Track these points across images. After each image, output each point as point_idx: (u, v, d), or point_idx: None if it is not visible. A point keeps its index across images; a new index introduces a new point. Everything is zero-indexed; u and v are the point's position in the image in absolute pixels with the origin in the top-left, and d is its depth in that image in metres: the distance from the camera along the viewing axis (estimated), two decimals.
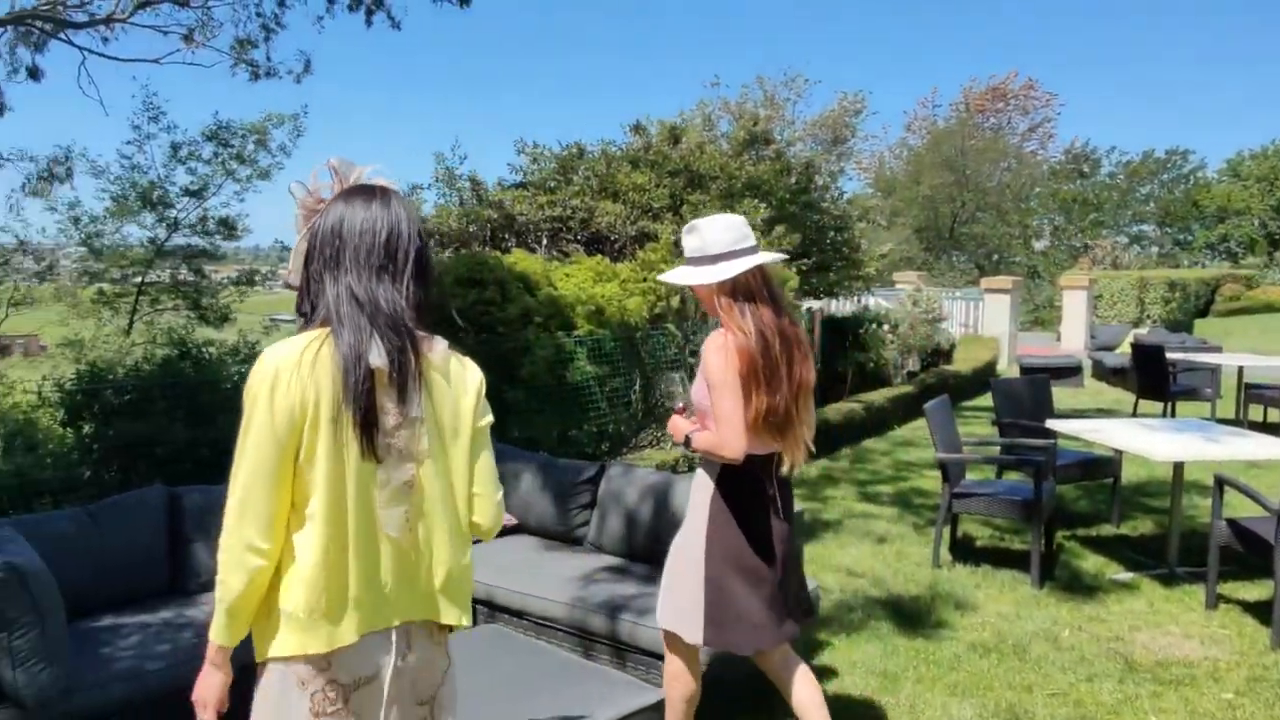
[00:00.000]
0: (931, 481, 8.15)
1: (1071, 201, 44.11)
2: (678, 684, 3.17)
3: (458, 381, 2.01)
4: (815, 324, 10.09)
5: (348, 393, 1.82)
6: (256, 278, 21.01)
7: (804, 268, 10.40)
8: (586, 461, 5.06)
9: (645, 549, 4.41)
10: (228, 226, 19.81)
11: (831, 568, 5.84)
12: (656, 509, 4.41)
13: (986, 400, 13.26)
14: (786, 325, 3.02)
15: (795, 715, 3.15)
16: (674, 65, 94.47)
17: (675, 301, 7.98)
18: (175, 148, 18.89)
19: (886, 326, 11.32)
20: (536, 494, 4.82)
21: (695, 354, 8.26)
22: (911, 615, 5.08)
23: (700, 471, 3.14)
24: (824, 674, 4.32)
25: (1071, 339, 20.85)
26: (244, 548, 1.82)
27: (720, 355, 2.91)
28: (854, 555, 6.11)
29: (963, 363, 14.10)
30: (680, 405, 3.21)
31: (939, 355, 13.38)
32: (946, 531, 6.07)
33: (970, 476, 6.41)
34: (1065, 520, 6.84)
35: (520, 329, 6.99)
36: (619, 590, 4.08)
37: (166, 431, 5.11)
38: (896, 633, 4.84)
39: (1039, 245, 43.25)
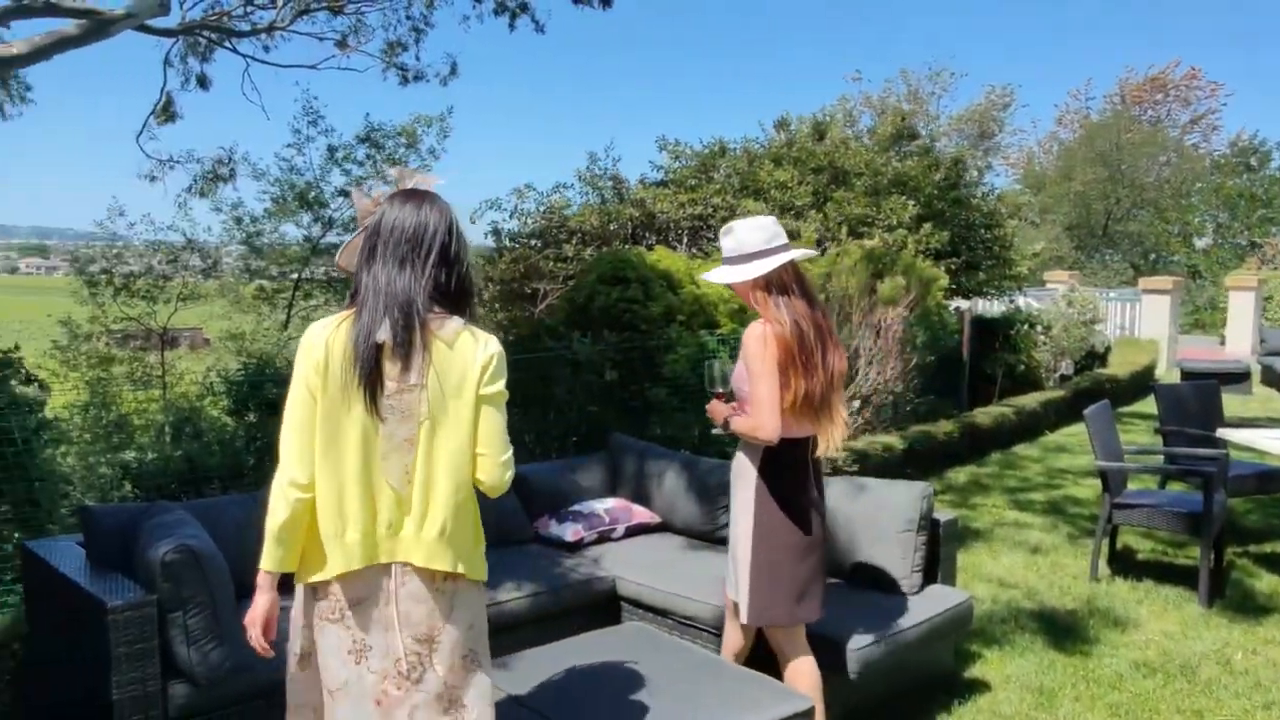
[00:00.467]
0: (1087, 490, 7.79)
1: (1238, 197, 41.58)
2: (729, 645, 3.51)
3: (467, 353, 2.28)
4: (964, 324, 9.78)
5: (355, 360, 2.19)
6: None
7: (953, 266, 10.09)
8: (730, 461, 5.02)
9: None
10: None
11: (982, 577, 5.64)
12: None
13: (1145, 406, 12.64)
14: (819, 317, 3.26)
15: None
16: (815, 60, 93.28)
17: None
18: (331, 150, 19.60)
19: (1040, 328, 10.88)
20: (680, 493, 4.80)
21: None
22: (1068, 630, 4.85)
23: (741, 456, 3.36)
24: (976, 687, 4.17)
25: (1237, 342, 19.63)
26: (287, 482, 2.24)
27: (759, 344, 3.13)
28: (1006, 565, 5.88)
29: (1119, 366, 13.44)
30: (720, 391, 3.38)
31: (1094, 358, 12.80)
32: (1105, 544, 5.78)
33: (1131, 486, 6.09)
34: (1236, 535, 6.43)
35: (663, 327, 6.99)
36: None
37: None
38: (1052, 647, 4.63)
39: (1200, 244, 41.02)
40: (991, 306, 12.77)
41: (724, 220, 10.64)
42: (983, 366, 10.74)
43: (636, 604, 4.23)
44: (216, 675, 3.10)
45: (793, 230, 10.17)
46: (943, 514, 4.21)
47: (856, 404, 8.29)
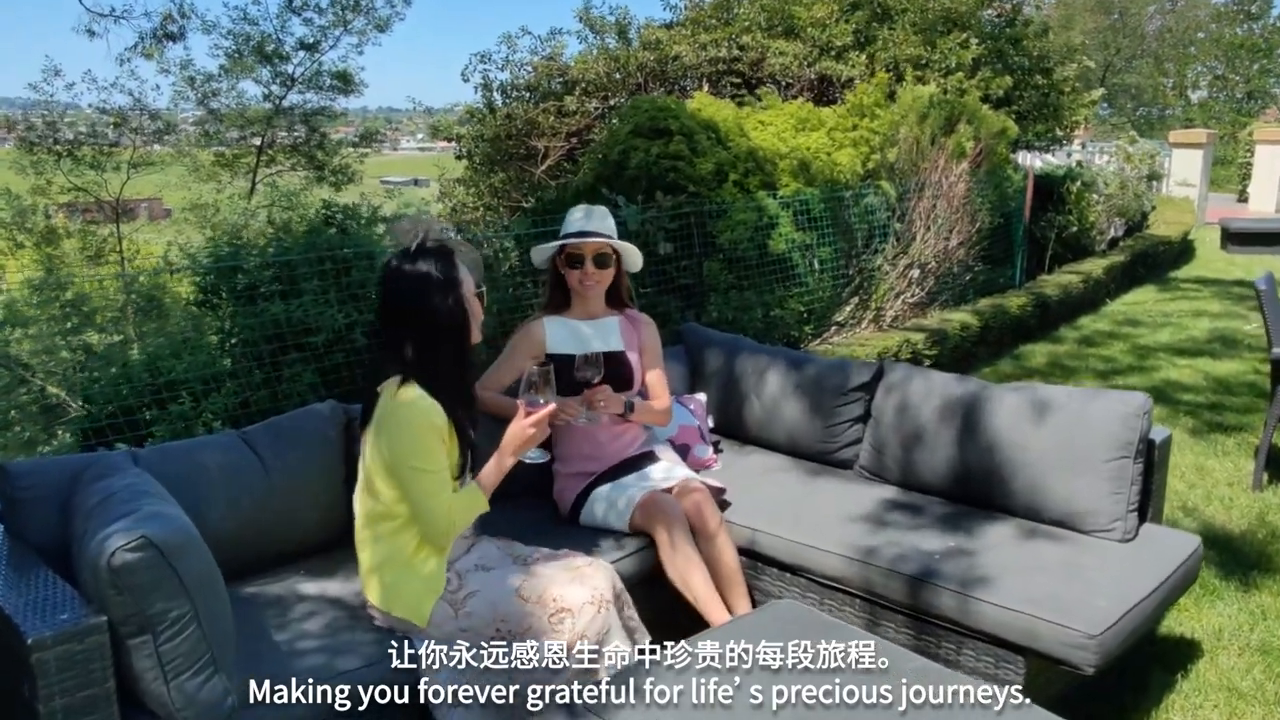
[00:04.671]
0: (1186, 372, 6.84)
1: (1239, 47, 39.98)
2: None
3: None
4: (1029, 185, 8.64)
5: None
6: (376, 137, 20.12)
7: (1011, 116, 8.88)
8: (853, 360, 3.98)
9: (947, 483, 3.33)
10: (344, 81, 18.78)
11: None
12: (963, 429, 3.29)
13: (1195, 269, 11.71)
14: None
15: None
16: None
17: (892, 154, 6.68)
18: None
19: (1101, 183, 9.77)
20: (789, 400, 3.75)
21: (904, 217, 7.00)
22: (1256, 559, 3.93)
23: None
24: (1186, 651, 3.25)
25: (1261, 200, 18.62)
26: None
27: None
28: None
29: (1164, 227, 12.40)
30: (596, 380, 3.03)
31: (1143, 219, 11.74)
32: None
33: None
34: None
35: (714, 188, 5.83)
36: (919, 542, 3.02)
37: (322, 316, 4.17)
38: (1250, 586, 3.70)
39: (1195, 97, 39.64)
40: (1035, 162, 11.60)
41: (752, 65, 9.35)
42: (1032, 230, 9.67)
43: (753, 555, 3.23)
44: (214, 718, 2.08)
45: (831, 74, 8.91)
46: (1157, 430, 3.20)
47: (916, 273, 7.23)
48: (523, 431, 2.52)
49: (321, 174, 19.41)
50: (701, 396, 3.84)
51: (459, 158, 11.48)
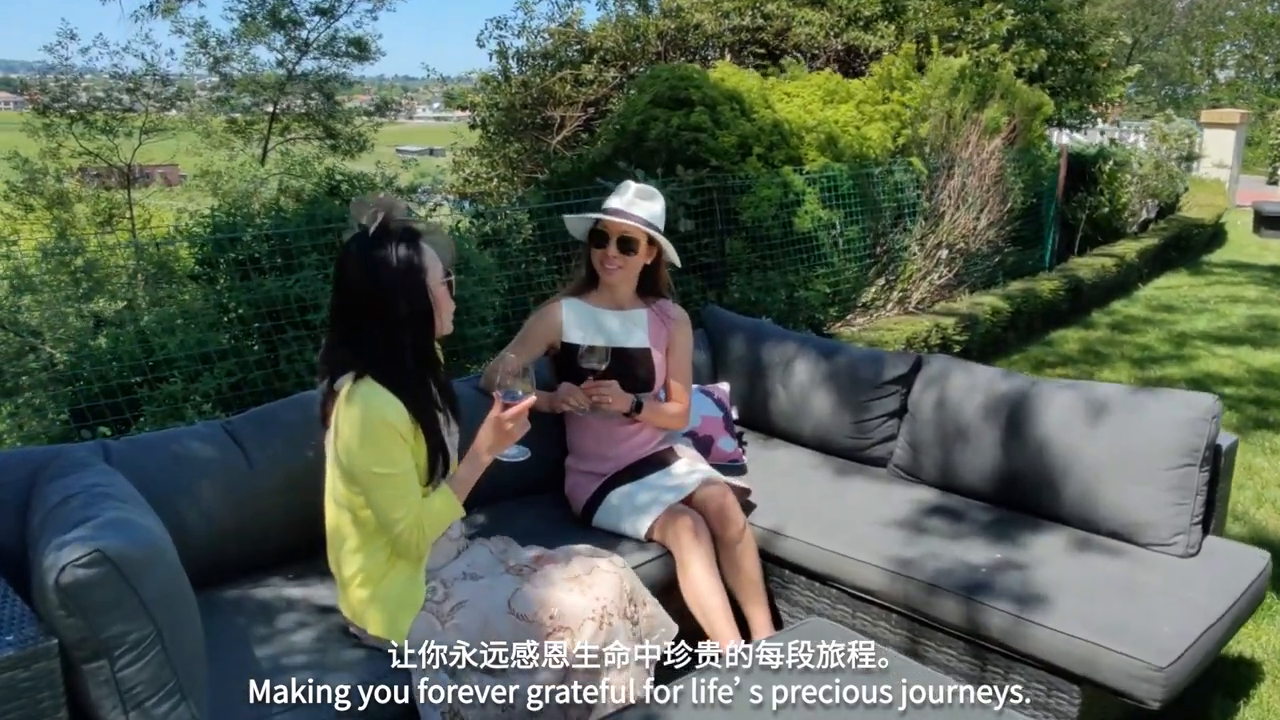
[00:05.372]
0: (1227, 364, 6.55)
1: (1268, 26, 39.16)
2: None
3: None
4: (1062, 164, 8.32)
5: None
6: (392, 106, 19.85)
7: (1045, 91, 8.54)
8: (888, 350, 3.72)
9: (990, 486, 3.08)
10: (359, 47, 18.49)
11: None
12: (1009, 428, 3.04)
13: (1227, 254, 11.37)
14: None
15: None
16: None
17: (924, 129, 6.37)
18: None
19: (1135, 163, 9.42)
20: (819, 392, 3.49)
21: (933, 196, 6.71)
22: None
23: None
24: (1245, 672, 3.00)
25: None
26: None
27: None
28: None
29: (1196, 210, 12.03)
30: (601, 368, 2.81)
31: (1176, 201, 11.39)
32: None
33: None
34: None
35: (737, 162, 5.55)
36: (963, 552, 2.78)
37: (322, 292, 3.93)
38: None
39: (1222, 76, 38.92)
40: (1063, 140, 11.25)
41: (777, 34, 9.03)
42: (1062, 211, 9.36)
43: (779, 562, 2.99)
44: None
45: (859, 45, 8.59)
46: (1224, 436, 2.94)
47: (944, 254, 6.95)
48: (499, 427, 2.26)
49: (335, 142, 19.19)
50: (725, 386, 3.59)
51: (473, 127, 11.20)
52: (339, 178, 4.99)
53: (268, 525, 2.54)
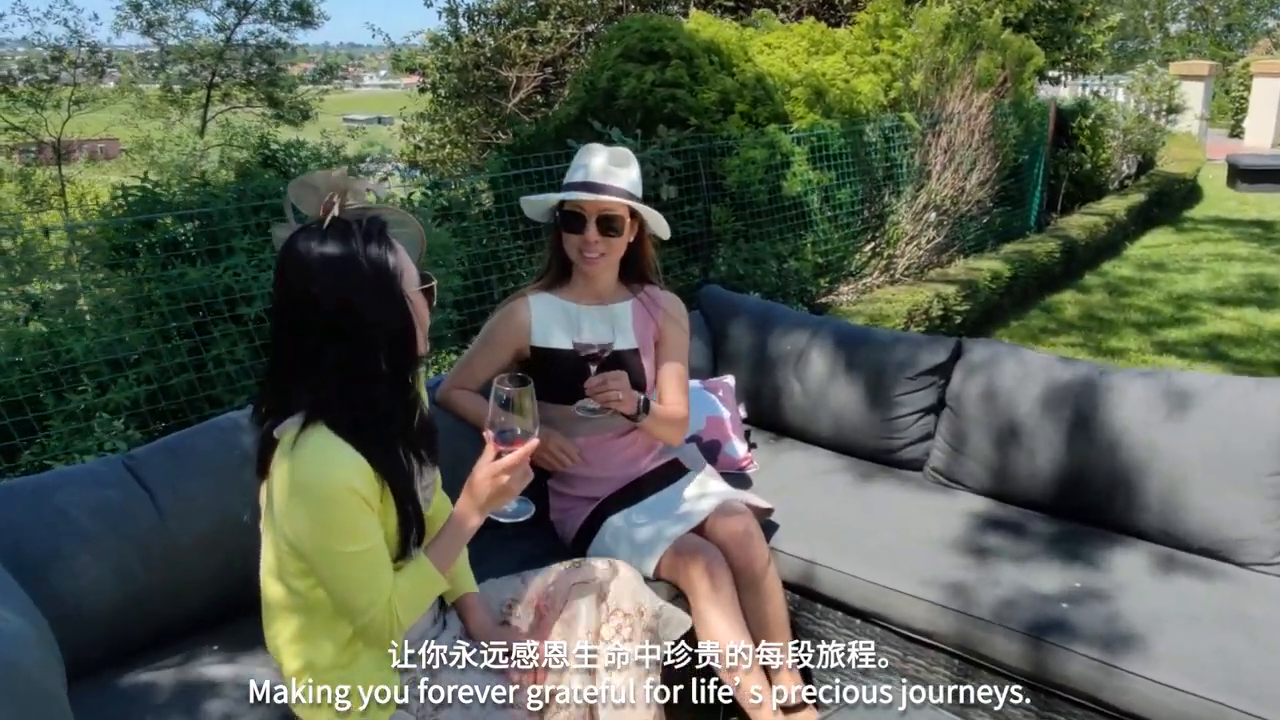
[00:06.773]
0: (1235, 324, 6.19)
1: None
2: None
3: None
4: (1051, 120, 7.88)
5: None
6: (337, 73, 19.05)
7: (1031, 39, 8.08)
8: (922, 334, 3.25)
9: (1051, 494, 2.63)
10: (303, 12, 17.64)
11: None
12: (1073, 424, 2.58)
13: (1207, 208, 11.05)
14: None
15: None
16: None
17: (916, 80, 5.89)
18: None
19: (1120, 117, 9.03)
20: (839, 385, 3.02)
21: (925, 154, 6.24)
22: None
23: None
24: None
25: (1257, 134, 17.96)
26: None
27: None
28: None
29: (1175, 164, 11.69)
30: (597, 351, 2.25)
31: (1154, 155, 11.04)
32: None
33: None
34: None
35: (718, 120, 5.04)
36: (1028, 579, 2.32)
37: (256, 280, 3.38)
38: None
39: (1173, 29, 38.92)
40: (1042, 92, 10.83)
41: None
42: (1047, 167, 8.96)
43: (815, 596, 2.52)
44: None
45: None
46: None
47: (932, 215, 6.50)
48: (494, 479, 1.69)
49: (279, 111, 18.39)
50: (730, 380, 3.10)
51: (422, 90, 10.56)
52: (275, 147, 4.40)
53: (184, 588, 2.02)
